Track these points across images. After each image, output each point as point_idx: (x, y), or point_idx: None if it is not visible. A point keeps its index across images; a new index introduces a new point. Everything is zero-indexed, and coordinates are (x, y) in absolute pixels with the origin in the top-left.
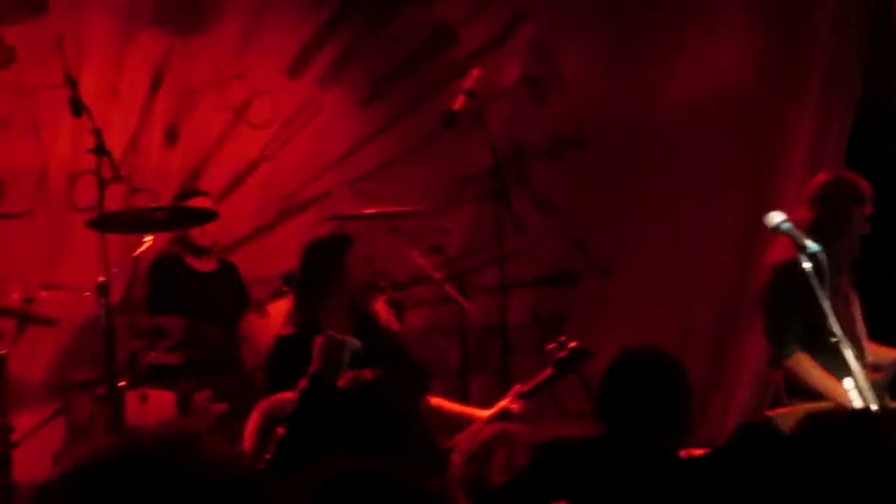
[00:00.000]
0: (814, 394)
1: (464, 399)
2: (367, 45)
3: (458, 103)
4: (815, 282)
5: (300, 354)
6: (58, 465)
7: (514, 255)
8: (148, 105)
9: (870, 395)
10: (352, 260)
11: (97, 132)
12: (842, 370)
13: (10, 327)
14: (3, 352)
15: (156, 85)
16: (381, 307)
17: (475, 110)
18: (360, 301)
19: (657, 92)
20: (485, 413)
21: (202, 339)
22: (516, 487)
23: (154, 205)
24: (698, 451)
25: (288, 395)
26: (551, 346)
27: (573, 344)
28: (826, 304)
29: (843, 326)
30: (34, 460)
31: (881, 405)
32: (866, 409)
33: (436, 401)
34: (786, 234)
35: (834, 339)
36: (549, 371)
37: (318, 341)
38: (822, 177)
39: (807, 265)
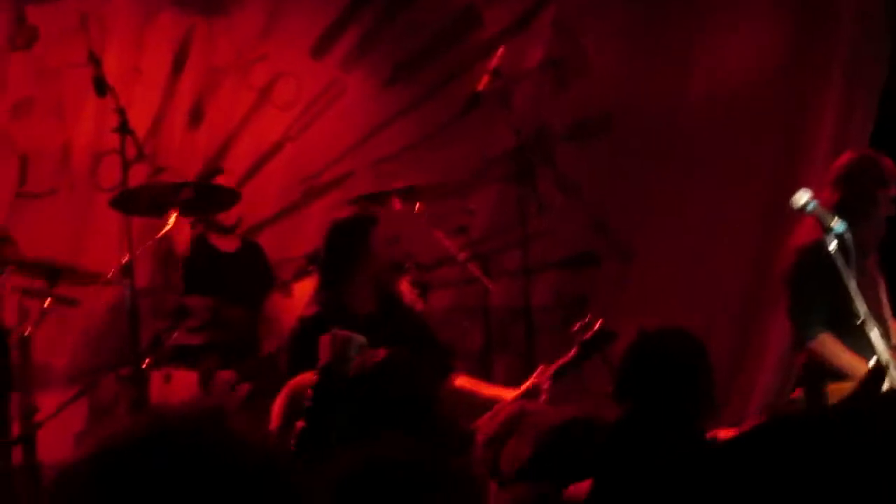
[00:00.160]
0: (838, 375)
1: (487, 380)
2: (391, 26)
3: (483, 83)
4: (840, 262)
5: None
6: (81, 446)
7: (538, 236)
8: (171, 85)
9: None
10: (376, 241)
11: (121, 111)
12: (867, 351)
13: (33, 308)
14: (27, 332)
15: (179, 65)
16: (405, 288)
17: (500, 91)
18: (386, 281)
19: (681, 77)
20: (510, 394)
21: (226, 319)
22: (532, 468)
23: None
24: (725, 433)
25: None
26: (576, 327)
27: (599, 325)
28: (852, 285)
29: (868, 307)
30: (58, 441)
31: None
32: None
33: (461, 381)
34: (812, 214)
35: (860, 320)
36: (574, 352)
37: (325, 339)
38: (846, 157)
39: (832, 246)
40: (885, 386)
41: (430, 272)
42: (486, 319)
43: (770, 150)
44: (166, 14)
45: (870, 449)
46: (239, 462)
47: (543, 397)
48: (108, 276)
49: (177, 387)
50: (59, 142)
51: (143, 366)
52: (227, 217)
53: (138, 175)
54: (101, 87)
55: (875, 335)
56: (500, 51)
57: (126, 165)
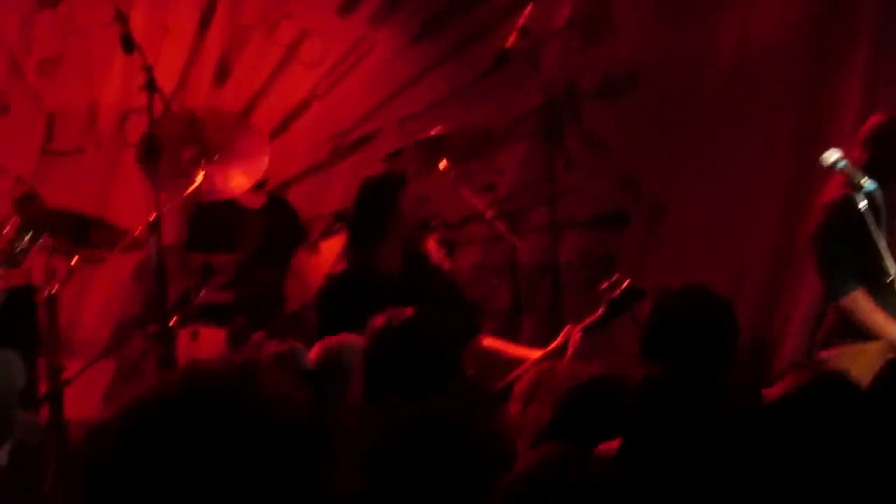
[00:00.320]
0: (868, 334)
1: (514, 339)
2: None
3: (511, 41)
4: (870, 220)
5: (352, 293)
6: (109, 404)
7: (566, 194)
8: (198, 42)
9: None
10: (406, 201)
11: (148, 69)
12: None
13: (60, 266)
14: (54, 290)
15: (206, 22)
16: (432, 247)
17: (528, 49)
18: (413, 240)
19: (710, 35)
20: (537, 353)
21: (253, 276)
22: (559, 427)
23: None
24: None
25: (348, 336)
26: (605, 285)
27: (627, 283)
28: (882, 244)
29: None
30: (85, 399)
31: None
32: None
33: (488, 341)
34: (842, 172)
35: (890, 279)
36: (602, 310)
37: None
38: (876, 118)
39: (862, 204)
40: None
41: (456, 230)
42: (514, 277)
43: (798, 109)
44: None
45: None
46: (269, 419)
47: (571, 356)
48: (136, 234)
49: (204, 344)
50: (87, 100)
51: (171, 323)
52: None
53: None
54: (128, 44)
55: None
56: (529, 8)
57: (153, 123)
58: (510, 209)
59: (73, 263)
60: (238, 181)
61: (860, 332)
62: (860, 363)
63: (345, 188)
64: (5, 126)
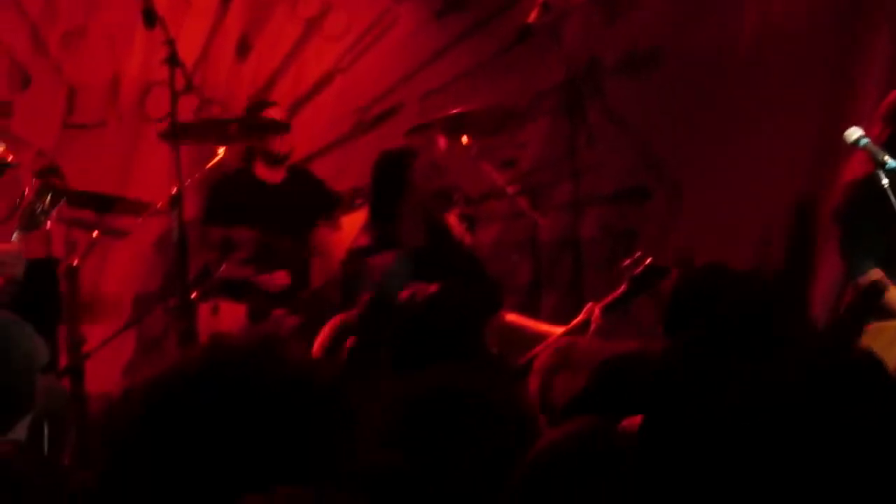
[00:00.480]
0: (885, 313)
1: (535, 315)
2: None
3: (534, 16)
4: (893, 198)
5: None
6: (129, 376)
7: (587, 170)
8: (220, 16)
9: None
10: (416, 173)
11: (170, 43)
12: None
13: (81, 239)
14: (75, 263)
15: None
16: (454, 221)
17: (550, 24)
18: (432, 213)
19: (732, 11)
20: (559, 330)
21: (274, 251)
22: (583, 403)
23: (226, 116)
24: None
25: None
26: (627, 262)
27: (649, 261)
28: None
29: None
30: (105, 372)
31: None
32: None
33: (510, 317)
34: (864, 149)
35: None
36: (624, 287)
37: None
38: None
39: (885, 181)
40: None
41: (478, 206)
42: (535, 253)
43: (820, 86)
44: None
45: None
46: (290, 393)
47: (593, 333)
48: (158, 207)
49: (225, 318)
50: (109, 73)
51: (192, 297)
52: (283, 145)
53: (186, 107)
54: (150, 18)
55: None
56: None
57: (175, 97)
58: (532, 185)
59: (94, 236)
60: None
61: (879, 311)
62: (880, 341)
63: (367, 163)
64: (26, 99)
